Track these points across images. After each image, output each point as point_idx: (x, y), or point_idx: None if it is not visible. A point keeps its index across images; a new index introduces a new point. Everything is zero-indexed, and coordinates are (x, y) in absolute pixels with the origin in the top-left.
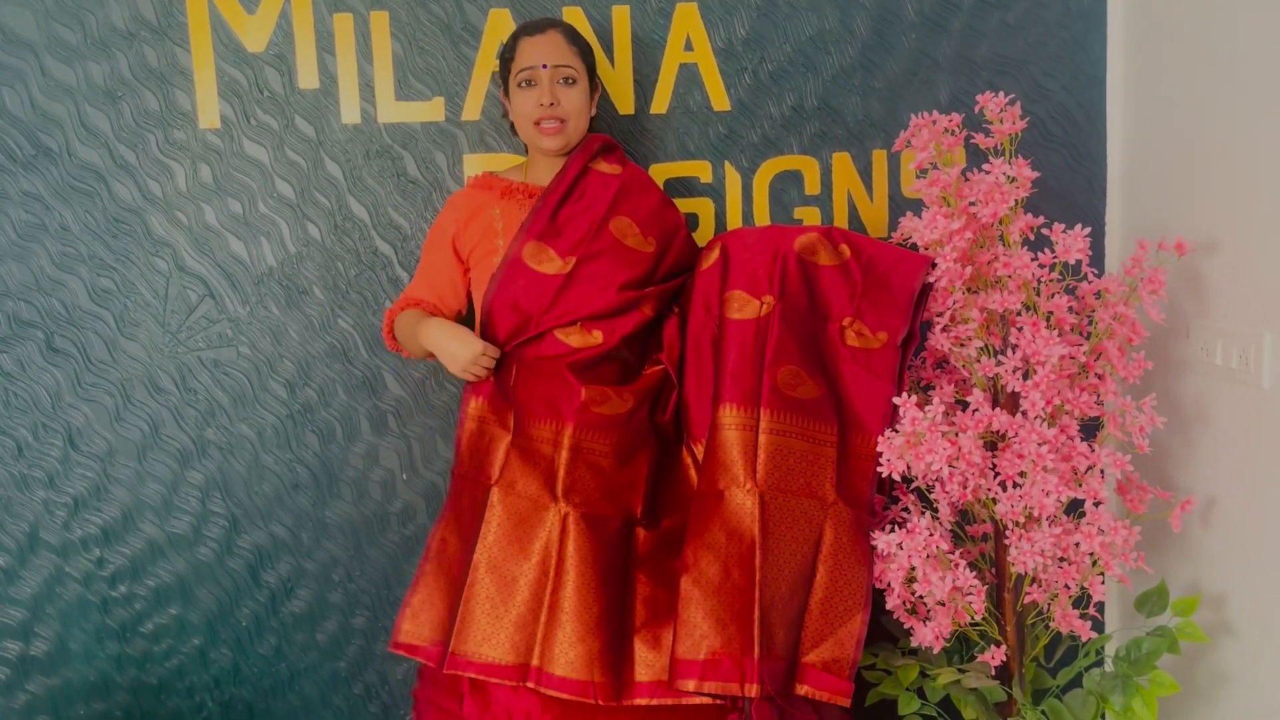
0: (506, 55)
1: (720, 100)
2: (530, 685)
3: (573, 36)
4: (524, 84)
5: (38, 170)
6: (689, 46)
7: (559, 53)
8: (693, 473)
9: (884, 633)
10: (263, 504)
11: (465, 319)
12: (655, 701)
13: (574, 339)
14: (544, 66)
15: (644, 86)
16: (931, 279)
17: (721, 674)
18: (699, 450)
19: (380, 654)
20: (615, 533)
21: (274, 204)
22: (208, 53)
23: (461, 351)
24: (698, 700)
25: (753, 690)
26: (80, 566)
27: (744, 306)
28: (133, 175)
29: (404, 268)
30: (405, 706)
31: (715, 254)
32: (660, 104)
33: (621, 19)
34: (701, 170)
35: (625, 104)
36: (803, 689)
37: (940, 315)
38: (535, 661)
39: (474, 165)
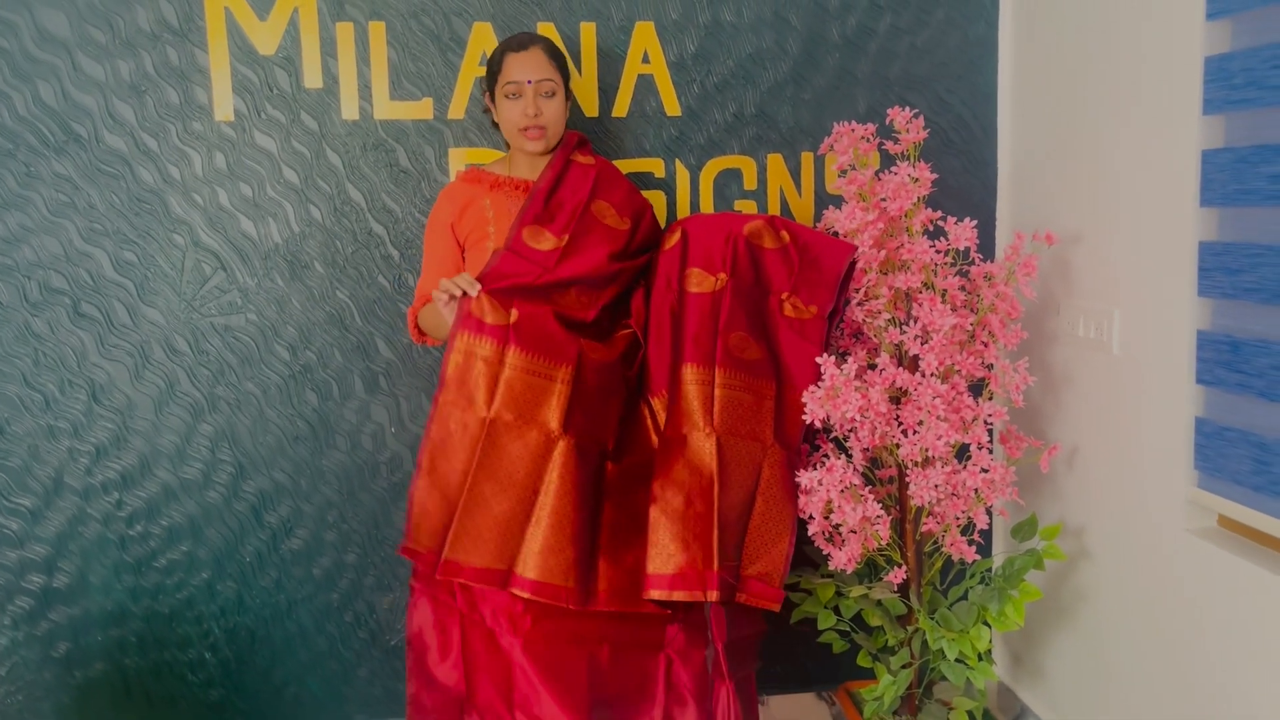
0: (494, 68)
1: (672, 107)
2: (515, 591)
3: (552, 52)
4: (510, 95)
5: (69, 155)
6: (646, 60)
7: (541, 68)
8: (649, 420)
9: (806, 560)
10: (266, 453)
11: None
12: (613, 609)
13: (569, 308)
14: (529, 82)
15: (607, 93)
16: (854, 263)
17: (687, 584)
18: (655, 402)
19: (369, 586)
20: (594, 463)
21: (281, 189)
22: (224, 54)
23: (444, 291)
24: (647, 610)
25: (712, 596)
26: (100, 508)
27: (702, 281)
28: (154, 161)
29: (395, 246)
30: (390, 633)
31: (676, 236)
32: (621, 109)
33: (589, 34)
34: (655, 167)
35: (590, 108)
36: (743, 597)
37: (857, 292)
38: (519, 569)
39: (458, 158)
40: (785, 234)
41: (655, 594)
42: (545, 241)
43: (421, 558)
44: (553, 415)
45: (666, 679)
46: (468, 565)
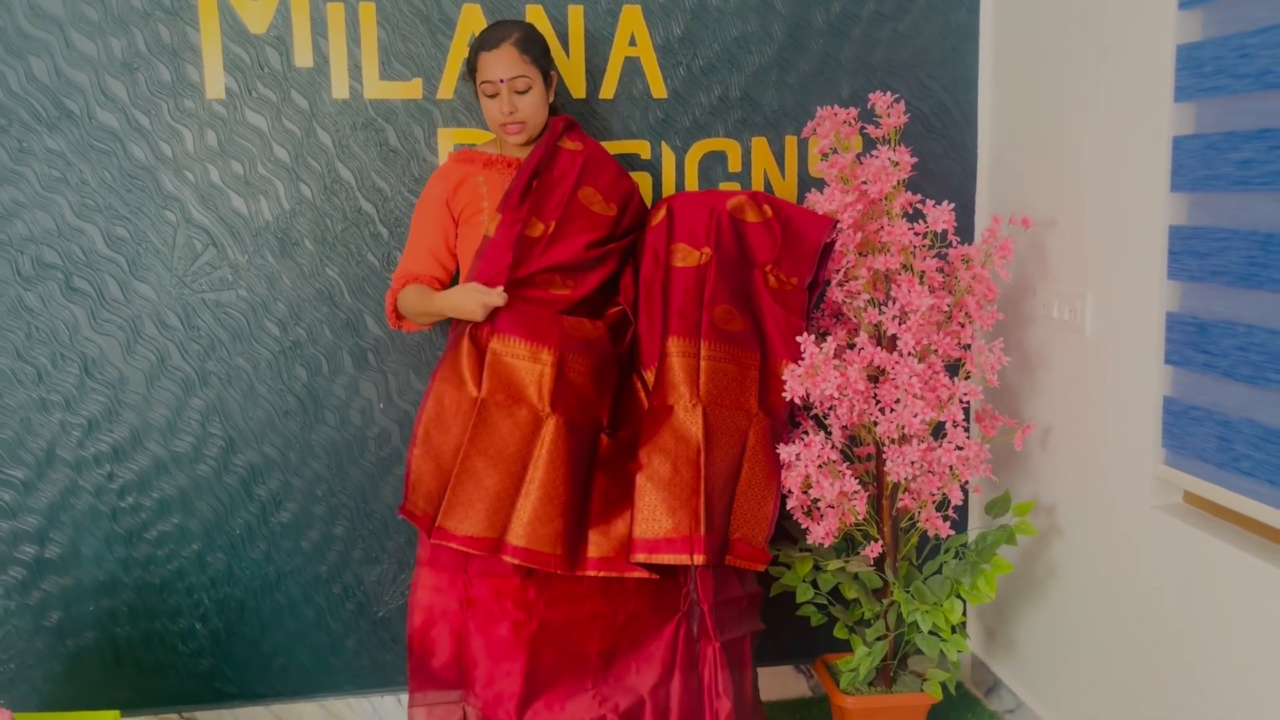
0: (471, 64)
1: (659, 89)
2: (505, 558)
3: (525, 45)
4: (486, 94)
5: (61, 131)
6: (633, 42)
7: (512, 65)
8: (642, 394)
9: (785, 534)
10: (256, 427)
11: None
12: (601, 574)
13: (556, 289)
14: (501, 81)
15: (594, 75)
16: (834, 237)
17: (674, 549)
18: (647, 375)
19: (357, 559)
20: (586, 438)
21: (271, 166)
22: (215, 32)
23: (466, 299)
24: (636, 575)
25: (699, 560)
26: (92, 480)
27: (686, 256)
28: (146, 138)
29: (384, 225)
30: (379, 604)
31: (662, 213)
32: (608, 90)
33: (576, 17)
34: (641, 148)
35: (578, 89)
36: (730, 559)
37: (837, 273)
38: (509, 537)
39: (447, 138)
40: (767, 208)
41: (640, 557)
42: (533, 228)
43: (419, 520)
44: (540, 394)
45: (673, 641)
46: (459, 533)
